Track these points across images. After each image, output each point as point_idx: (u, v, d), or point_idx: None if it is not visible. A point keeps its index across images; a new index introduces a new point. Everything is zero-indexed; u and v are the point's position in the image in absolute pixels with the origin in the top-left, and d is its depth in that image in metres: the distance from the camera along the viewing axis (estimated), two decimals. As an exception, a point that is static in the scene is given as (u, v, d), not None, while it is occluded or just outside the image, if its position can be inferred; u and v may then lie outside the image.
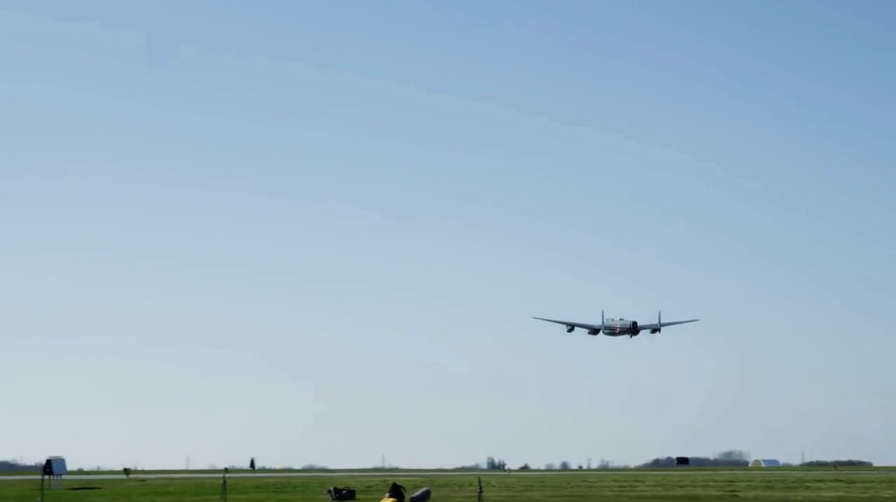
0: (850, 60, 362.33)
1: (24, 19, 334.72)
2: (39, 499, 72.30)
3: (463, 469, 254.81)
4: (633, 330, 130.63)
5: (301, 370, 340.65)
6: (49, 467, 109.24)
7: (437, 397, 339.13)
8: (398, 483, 24.28)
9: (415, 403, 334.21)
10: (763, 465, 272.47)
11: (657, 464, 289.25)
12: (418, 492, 25.51)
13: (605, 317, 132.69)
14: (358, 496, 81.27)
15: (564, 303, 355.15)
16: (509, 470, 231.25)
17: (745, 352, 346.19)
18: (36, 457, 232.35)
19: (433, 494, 32.91)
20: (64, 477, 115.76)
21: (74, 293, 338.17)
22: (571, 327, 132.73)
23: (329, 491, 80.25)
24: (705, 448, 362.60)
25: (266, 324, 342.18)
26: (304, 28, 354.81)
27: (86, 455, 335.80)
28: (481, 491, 50.21)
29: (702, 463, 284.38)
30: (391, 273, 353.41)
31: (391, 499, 23.00)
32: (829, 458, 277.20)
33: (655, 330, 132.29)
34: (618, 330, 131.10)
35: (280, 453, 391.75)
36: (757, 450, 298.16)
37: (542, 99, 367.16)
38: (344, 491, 79.65)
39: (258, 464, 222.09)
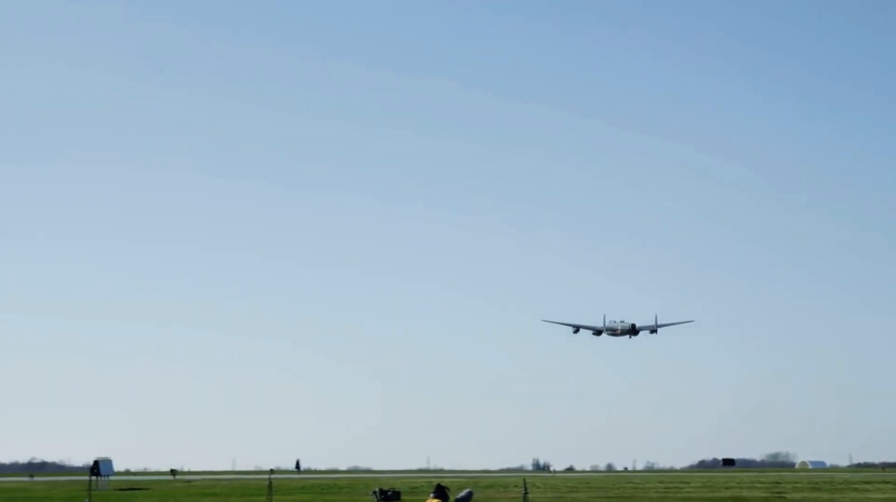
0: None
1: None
2: (87, 500, 72.75)
3: (508, 470, 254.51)
4: (633, 331, 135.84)
5: (346, 373, 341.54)
6: (96, 468, 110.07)
7: (482, 399, 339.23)
8: (442, 484, 24.33)
9: (460, 405, 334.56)
10: (810, 467, 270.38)
11: (703, 466, 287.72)
12: (462, 494, 25.50)
13: (607, 320, 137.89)
14: (403, 497, 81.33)
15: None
16: (554, 472, 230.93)
17: (780, 353, 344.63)
18: (83, 458, 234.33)
19: (477, 495, 32.93)
20: (111, 477, 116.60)
21: (122, 294, 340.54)
22: (577, 329, 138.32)
23: (374, 493, 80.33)
24: (751, 449, 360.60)
25: (311, 328, 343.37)
26: (349, 26, 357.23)
27: (133, 456, 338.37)
28: (526, 493, 50.13)
29: (748, 465, 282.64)
30: (433, 277, 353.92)
31: (436, 500, 22.98)
32: (877, 460, 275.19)
33: (653, 330, 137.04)
34: (619, 331, 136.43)
35: (325, 454, 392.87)
36: (804, 452, 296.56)
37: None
38: (389, 493, 79.72)
39: (303, 466, 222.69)
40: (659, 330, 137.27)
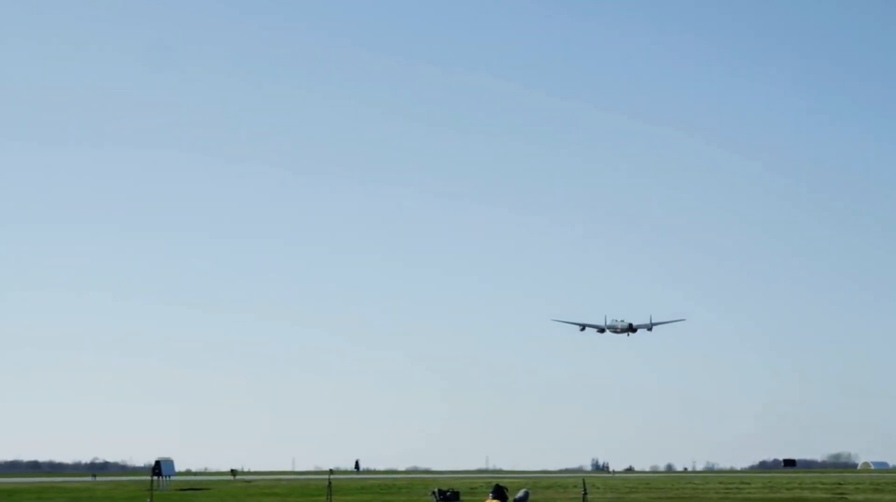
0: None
1: None
2: (149, 500, 73.28)
3: (567, 470, 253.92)
4: (631, 329, 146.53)
5: (405, 373, 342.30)
6: (158, 468, 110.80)
7: (541, 399, 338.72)
8: (501, 484, 24.37)
9: (518, 405, 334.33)
10: (872, 467, 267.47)
11: (763, 466, 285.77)
12: (519, 494, 25.49)
13: (608, 319, 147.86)
14: (462, 497, 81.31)
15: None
16: (613, 472, 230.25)
17: (839, 353, 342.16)
18: (145, 458, 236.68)
19: (536, 496, 32.89)
20: (172, 477, 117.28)
21: (181, 294, 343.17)
22: (583, 327, 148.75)
23: (433, 493, 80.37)
24: (813, 450, 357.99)
25: (370, 329, 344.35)
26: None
27: (193, 456, 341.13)
28: (586, 493, 49.97)
29: (809, 466, 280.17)
30: (493, 279, 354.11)
31: (494, 501, 23.02)
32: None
33: (649, 328, 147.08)
34: (618, 329, 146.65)
35: (385, 455, 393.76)
36: (866, 452, 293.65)
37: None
38: (448, 493, 79.71)
39: (363, 466, 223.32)
40: (654, 328, 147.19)
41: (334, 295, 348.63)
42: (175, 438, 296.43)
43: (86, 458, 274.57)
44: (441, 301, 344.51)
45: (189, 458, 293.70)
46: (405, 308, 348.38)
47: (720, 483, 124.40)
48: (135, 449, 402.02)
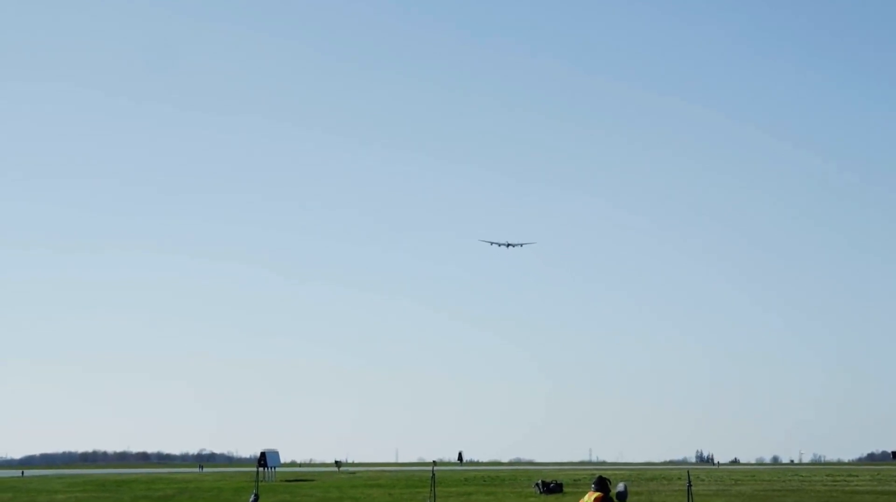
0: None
1: None
2: (255, 491, 74.19)
3: (671, 463, 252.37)
4: (508, 245, 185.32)
5: (508, 366, 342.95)
6: (263, 459, 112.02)
7: (645, 391, 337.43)
8: (604, 476, 24.35)
9: (622, 397, 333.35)
10: None
11: (871, 459, 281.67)
12: (619, 487, 25.54)
13: (500, 240, 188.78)
14: (565, 489, 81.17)
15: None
16: (718, 464, 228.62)
17: None
18: (251, 450, 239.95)
19: (641, 487, 32.66)
20: (277, 469, 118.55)
21: (285, 290, 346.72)
22: (491, 243, 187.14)
23: (537, 485, 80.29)
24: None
25: (474, 322, 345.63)
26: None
27: (298, 448, 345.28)
28: (690, 485, 49.68)
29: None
30: (596, 276, 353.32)
31: (597, 493, 22.96)
32: None
33: (521, 245, 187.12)
34: (500, 245, 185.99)
35: (488, 447, 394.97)
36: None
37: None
38: (552, 485, 79.60)
39: (466, 458, 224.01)
40: (524, 246, 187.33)
41: (438, 288, 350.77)
42: (280, 430, 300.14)
43: (193, 450, 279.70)
44: (546, 294, 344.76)
45: (294, 450, 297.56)
46: (510, 300, 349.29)
47: (827, 475, 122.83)
48: (241, 441, 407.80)
